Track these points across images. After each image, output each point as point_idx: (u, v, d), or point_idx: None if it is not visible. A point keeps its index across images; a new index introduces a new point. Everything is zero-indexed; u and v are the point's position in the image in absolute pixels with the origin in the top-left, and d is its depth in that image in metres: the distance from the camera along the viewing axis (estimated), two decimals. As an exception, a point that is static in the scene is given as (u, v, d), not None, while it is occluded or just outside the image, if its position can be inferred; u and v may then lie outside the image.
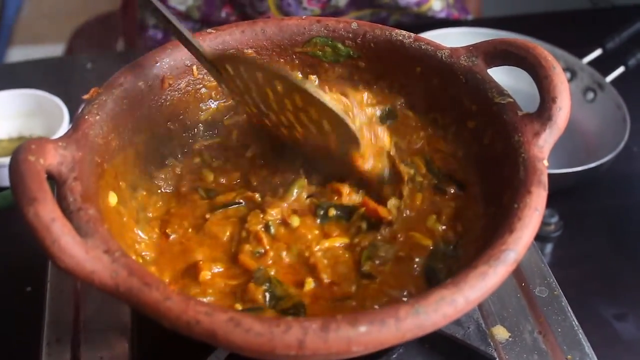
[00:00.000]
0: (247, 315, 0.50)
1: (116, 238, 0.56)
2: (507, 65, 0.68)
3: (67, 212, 0.56)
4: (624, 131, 1.05)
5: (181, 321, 0.50)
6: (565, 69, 1.15)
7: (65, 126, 1.03)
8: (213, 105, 0.75)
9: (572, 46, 1.18)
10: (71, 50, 1.98)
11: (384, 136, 0.68)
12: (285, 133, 0.68)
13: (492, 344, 0.67)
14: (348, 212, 0.68)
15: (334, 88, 0.70)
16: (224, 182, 0.72)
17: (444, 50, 0.70)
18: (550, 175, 0.61)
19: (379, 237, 0.66)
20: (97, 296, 0.71)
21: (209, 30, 0.73)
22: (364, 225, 0.67)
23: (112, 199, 0.63)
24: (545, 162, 0.61)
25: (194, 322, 0.50)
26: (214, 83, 0.74)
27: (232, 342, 0.49)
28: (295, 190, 0.68)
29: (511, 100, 0.66)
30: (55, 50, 2.24)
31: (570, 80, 1.16)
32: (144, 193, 0.69)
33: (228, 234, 0.67)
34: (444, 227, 0.67)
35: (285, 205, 0.68)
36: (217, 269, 0.64)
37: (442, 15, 1.40)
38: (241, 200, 0.69)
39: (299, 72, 0.76)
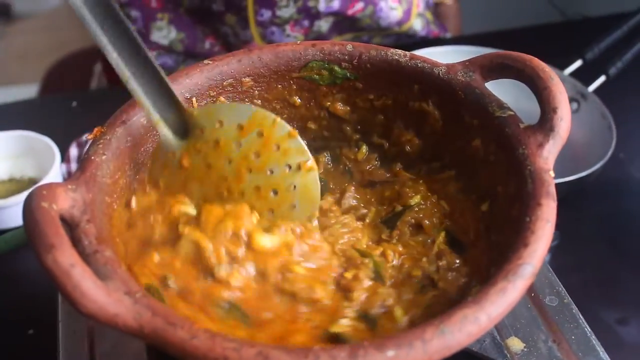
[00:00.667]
0: (275, 348, 0.50)
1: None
2: (503, 79, 0.69)
3: (83, 255, 0.56)
4: (610, 139, 1.06)
5: (209, 359, 0.50)
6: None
7: (57, 166, 1.02)
8: None
9: (552, 58, 1.19)
10: (46, 90, 1.97)
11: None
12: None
13: (508, 355, 0.68)
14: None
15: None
16: None
17: (440, 67, 0.71)
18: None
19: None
20: (111, 334, 0.71)
21: (205, 61, 0.73)
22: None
23: None
24: (552, 173, 0.62)
25: (222, 358, 0.50)
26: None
27: (262, 376, 0.49)
28: None
29: (512, 113, 0.66)
30: (29, 90, 2.23)
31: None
32: None
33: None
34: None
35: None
36: None
37: (423, 33, 1.41)
38: None
39: (297, 97, 0.76)
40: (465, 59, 0.72)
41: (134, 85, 0.64)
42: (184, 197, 0.68)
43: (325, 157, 0.79)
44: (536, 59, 0.66)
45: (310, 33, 1.31)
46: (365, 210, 0.74)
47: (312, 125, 0.78)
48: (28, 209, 0.55)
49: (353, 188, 0.76)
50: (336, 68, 0.75)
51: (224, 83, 0.74)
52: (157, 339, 0.52)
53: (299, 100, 0.77)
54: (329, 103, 0.77)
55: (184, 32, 1.29)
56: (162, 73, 0.64)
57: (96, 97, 1.32)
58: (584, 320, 0.71)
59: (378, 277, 0.66)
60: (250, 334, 0.60)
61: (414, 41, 1.42)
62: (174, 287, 0.62)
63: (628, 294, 0.95)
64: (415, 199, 0.72)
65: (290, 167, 0.67)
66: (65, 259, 0.51)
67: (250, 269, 0.64)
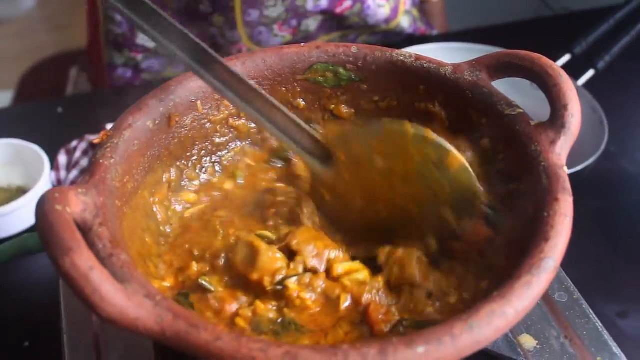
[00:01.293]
0: (303, 348, 0.49)
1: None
2: (511, 77, 0.69)
3: (99, 259, 0.54)
4: (602, 133, 1.07)
5: (236, 360, 0.49)
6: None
7: (47, 174, 1.00)
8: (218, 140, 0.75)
9: (541, 54, 1.21)
10: (21, 96, 1.95)
11: None
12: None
13: (522, 353, 0.68)
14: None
15: None
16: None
17: (446, 67, 0.71)
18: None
19: None
20: (119, 344, 0.69)
21: (209, 65, 0.72)
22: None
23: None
24: (565, 169, 0.62)
25: (250, 359, 0.49)
26: (219, 117, 0.73)
27: (291, 376, 0.48)
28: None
29: (521, 111, 0.67)
30: (3, 97, 2.20)
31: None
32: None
33: None
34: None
35: None
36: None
37: (410, 31, 1.42)
38: None
39: (301, 100, 0.76)
40: (455, 57, 0.72)
41: (274, 129, 0.66)
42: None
43: None
44: (544, 57, 0.67)
45: (298, 32, 1.31)
46: None
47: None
48: (42, 212, 0.53)
49: None
50: (341, 70, 0.75)
51: (229, 86, 0.73)
52: (180, 341, 0.50)
53: (303, 102, 0.76)
54: (333, 106, 0.76)
55: None
56: (284, 108, 0.66)
57: (81, 102, 1.30)
58: (594, 315, 0.71)
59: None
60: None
61: (401, 39, 1.42)
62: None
63: (627, 287, 0.96)
64: None
65: (436, 165, 0.66)
66: (84, 262, 0.50)
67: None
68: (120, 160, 0.64)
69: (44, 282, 0.93)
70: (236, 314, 0.60)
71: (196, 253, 0.67)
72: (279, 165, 0.77)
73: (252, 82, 0.65)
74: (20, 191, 1.03)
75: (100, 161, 0.62)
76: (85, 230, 0.57)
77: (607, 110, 1.11)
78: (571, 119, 0.64)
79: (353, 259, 0.67)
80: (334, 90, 0.75)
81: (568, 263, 0.98)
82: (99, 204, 0.58)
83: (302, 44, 0.75)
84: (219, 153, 0.75)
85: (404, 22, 1.40)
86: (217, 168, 0.75)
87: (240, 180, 0.75)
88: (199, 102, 0.71)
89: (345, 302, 0.63)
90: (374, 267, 0.66)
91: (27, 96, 1.93)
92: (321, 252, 0.65)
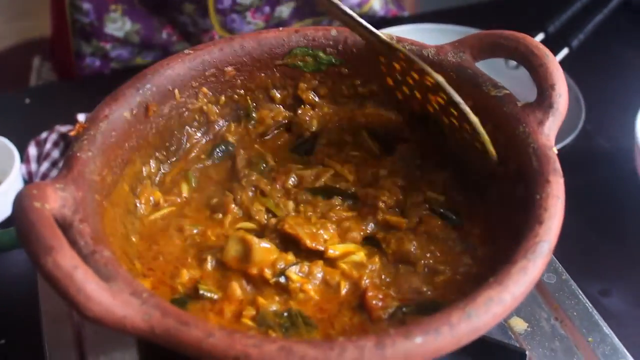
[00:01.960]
0: (297, 342, 0.48)
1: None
2: (495, 58, 0.68)
3: (81, 257, 0.52)
4: (579, 111, 1.07)
5: (229, 357, 0.47)
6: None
7: (17, 167, 0.97)
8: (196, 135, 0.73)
9: (515, 32, 1.20)
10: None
11: None
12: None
13: (513, 336, 0.67)
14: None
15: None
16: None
17: (429, 49, 0.70)
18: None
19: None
20: (101, 340, 0.67)
21: (186, 51, 0.70)
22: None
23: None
24: (555, 150, 0.61)
25: (244, 356, 0.47)
26: (197, 106, 0.72)
27: (288, 371, 0.47)
28: None
29: (507, 92, 0.65)
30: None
31: (517, 68, 1.17)
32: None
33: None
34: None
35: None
36: None
37: (382, 13, 1.40)
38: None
39: (281, 85, 0.74)
40: (429, 38, 0.72)
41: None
42: None
43: None
44: (529, 36, 0.66)
45: (272, 19, 1.29)
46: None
47: None
48: (20, 210, 0.51)
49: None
50: (320, 54, 0.73)
51: (207, 73, 0.71)
52: (170, 339, 0.49)
53: (279, 95, 0.75)
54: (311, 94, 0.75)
55: (140, 23, 1.25)
56: None
57: (49, 92, 1.26)
58: (584, 296, 0.70)
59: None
60: None
61: (373, 21, 1.40)
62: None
63: (608, 265, 0.95)
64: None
65: None
66: (67, 261, 0.48)
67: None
68: (98, 153, 0.61)
69: (20, 278, 0.90)
70: (240, 315, 0.59)
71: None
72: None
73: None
74: (-10, 185, 1.00)
75: (78, 154, 0.60)
76: (65, 227, 0.55)
77: (582, 89, 1.11)
78: (559, 98, 0.63)
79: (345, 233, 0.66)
80: (314, 74, 0.74)
81: (549, 243, 0.98)
82: (78, 199, 0.56)
83: (281, 28, 0.73)
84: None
85: (376, 4, 1.38)
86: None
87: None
88: (176, 91, 0.69)
89: (345, 288, 0.61)
90: (373, 243, 0.66)
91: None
92: (316, 232, 0.64)
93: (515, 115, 0.63)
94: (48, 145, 1.03)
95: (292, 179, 0.70)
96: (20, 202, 0.52)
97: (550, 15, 1.21)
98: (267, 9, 1.26)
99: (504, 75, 1.08)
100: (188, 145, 0.72)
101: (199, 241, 0.65)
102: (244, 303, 0.59)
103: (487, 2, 1.48)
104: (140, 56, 1.29)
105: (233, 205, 0.68)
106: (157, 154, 0.69)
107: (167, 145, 0.70)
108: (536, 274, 0.52)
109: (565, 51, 1.17)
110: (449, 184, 0.70)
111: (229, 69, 0.72)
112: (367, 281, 0.61)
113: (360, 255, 0.63)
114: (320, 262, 0.62)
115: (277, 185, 0.70)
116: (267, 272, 0.60)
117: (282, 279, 0.60)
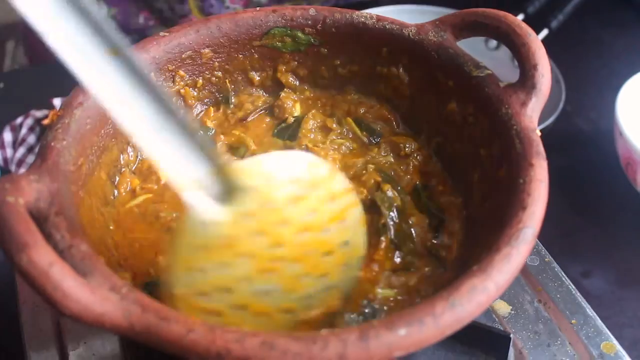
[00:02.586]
0: (279, 336, 0.47)
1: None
2: (477, 37, 0.67)
3: (57, 251, 0.51)
4: (560, 92, 1.06)
5: (211, 353, 0.46)
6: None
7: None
8: None
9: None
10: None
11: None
12: None
13: (497, 319, 0.67)
14: None
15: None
16: None
17: (410, 28, 0.68)
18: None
19: None
20: (81, 329, 0.66)
21: (162, 33, 0.69)
22: None
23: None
24: (538, 132, 0.60)
25: (225, 352, 0.46)
26: (173, 89, 0.71)
27: (270, 366, 0.46)
28: None
29: (489, 72, 0.64)
30: None
31: (497, 49, 1.16)
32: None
33: None
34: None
35: None
36: None
37: None
38: None
39: (259, 67, 0.73)
40: (408, 19, 0.69)
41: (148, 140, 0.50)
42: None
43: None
44: (510, 15, 0.65)
45: (250, 4, 1.26)
46: None
47: None
48: (-8, 205, 0.50)
49: None
50: (299, 34, 0.71)
51: (183, 56, 0.69)
52: (150, 336, 0.48)
53: (258, 78, 0.73)
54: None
55: (117, 7, 1.22)
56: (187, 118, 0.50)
57: (24, 77, 1.23)
58: (567, 277, 0.70)
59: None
60: None
61: (352, 2, 1.38)
62: None
63: (589, 247, 0.96)
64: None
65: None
66: (42, 257, 0.47)
67: None
68: (73, 142, 0.60)
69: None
70: None
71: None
72: None
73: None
74: (-35, 171, 0.98)
75: (52, 144, 0.58)
76: (40, 220, 0.53)
77: (561, 70, 1.10)
78: (541, 79, 0.62)
79: None
80: (293, 55, 0.72)
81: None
82: (53, 191, 0.55)
83: (258, 8, 0.71)
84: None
85: None
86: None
87: None
88: (152, 74, 0.67)
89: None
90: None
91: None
92: None
93: (497, 97, 0.62)
94: (24, 131, 1.01)
95: None
96: (-8, 197, 0.50)
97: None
98: None
99: (484, 56, 1.07)
100: None
101: (175, 227, 0.64)
102: None
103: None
104: None
105: None
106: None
107: None
108: (520, 261, 0.52)
109: (544, 32, 1.16)
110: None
111: (206, 50, 0.70)
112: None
113: None
114: None
115: None
116: None
117: None
